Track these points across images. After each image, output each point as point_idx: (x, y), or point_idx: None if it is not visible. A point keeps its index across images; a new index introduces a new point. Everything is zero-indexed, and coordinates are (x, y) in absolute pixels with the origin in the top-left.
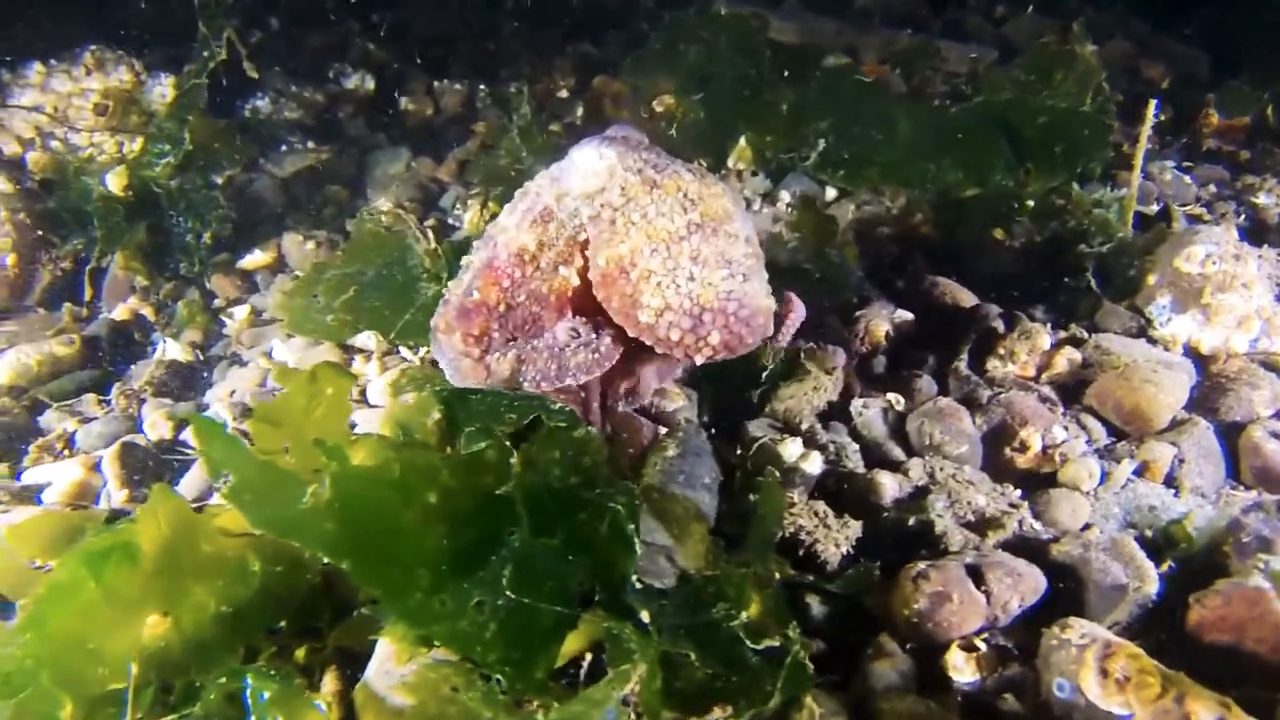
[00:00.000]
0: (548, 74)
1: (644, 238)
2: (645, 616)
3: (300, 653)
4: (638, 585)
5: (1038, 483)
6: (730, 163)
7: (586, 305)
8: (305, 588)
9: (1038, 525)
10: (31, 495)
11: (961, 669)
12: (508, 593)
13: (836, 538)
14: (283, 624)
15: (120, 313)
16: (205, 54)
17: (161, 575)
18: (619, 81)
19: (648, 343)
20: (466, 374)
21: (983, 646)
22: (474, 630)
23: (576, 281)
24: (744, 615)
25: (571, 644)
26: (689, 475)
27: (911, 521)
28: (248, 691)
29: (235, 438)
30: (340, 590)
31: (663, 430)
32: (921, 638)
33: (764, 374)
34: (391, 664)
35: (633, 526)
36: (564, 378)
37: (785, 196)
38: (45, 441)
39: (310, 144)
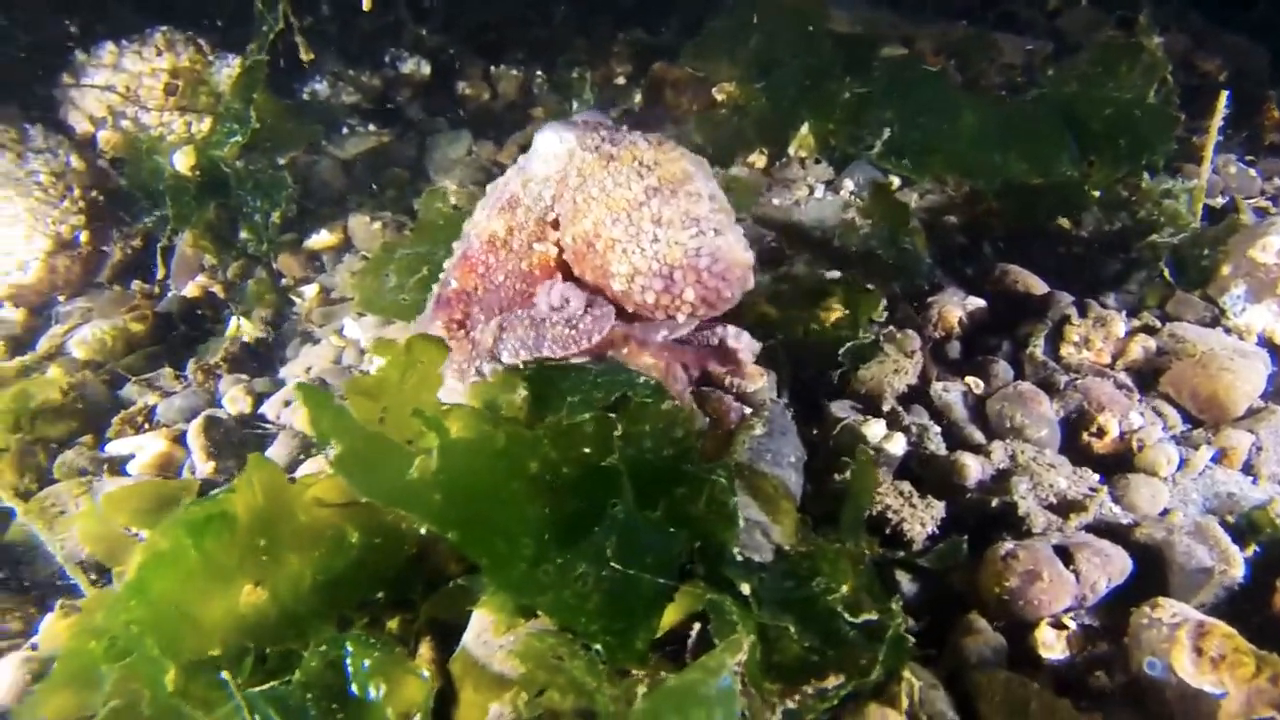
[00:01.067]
0: (605, 60)
1: (604, 210)
2: (746, 589)
3: (393, 624)
4: (739, 558)
5: (1116, 468)
6: (791, 151)
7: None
8: (402, 559)
9: (1117, 509)
10: (117, 466)
11: (1052, 646)
12: (612, 564)
13: (922, 517)
14: (380, 595)
15: (190, 290)
16: (264, 29)
17: (258, 545)
18: (678, 68)
19: (628, 309)
20: (453, 353)
21: (1072, 625)
22: (577, 600)
23: (555, 252)
24: (842, 590)
25: (668, 617)
26: (776, 454)
27: (995, 503)
28: (349, 659)
29: (345, 408)
30: (433, 562)
31: (747, 410)
32: (1011, 615)
33: (841, 354)
34: (490, 635)
35: (735, 500)
36: (541, 347)
37: (849, 184)
38: (127, 414)
39: (371, 127)
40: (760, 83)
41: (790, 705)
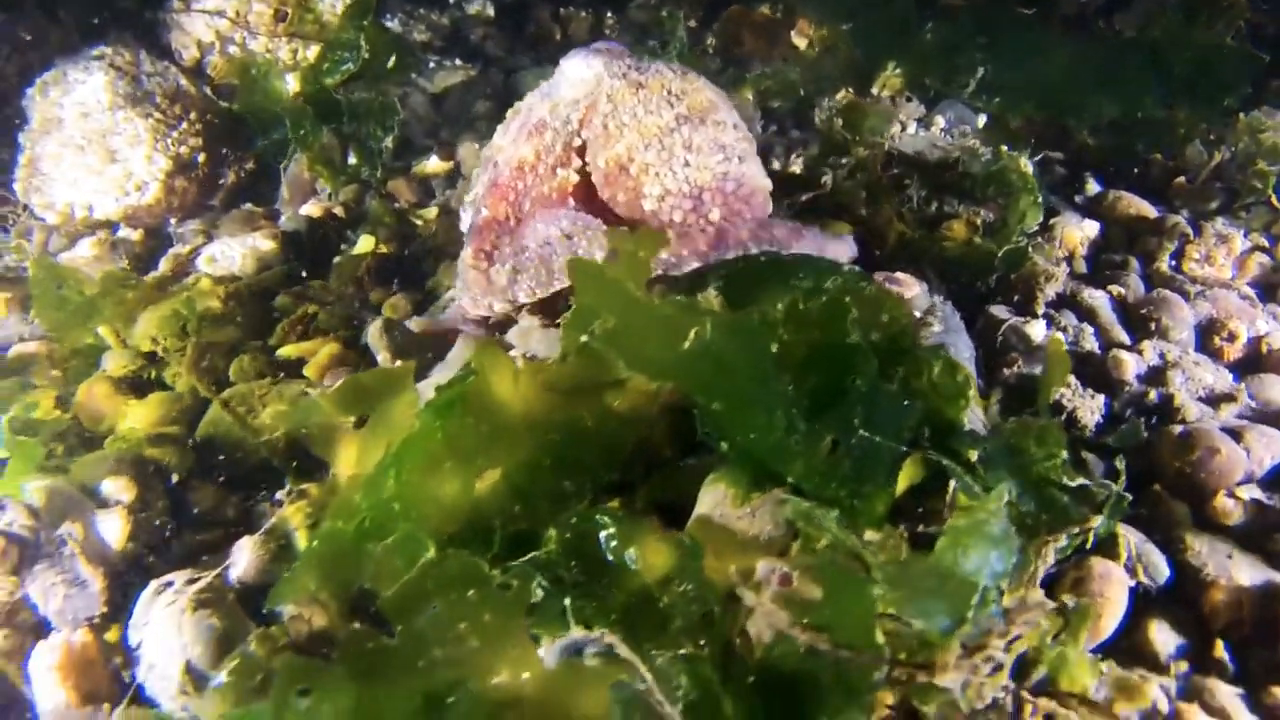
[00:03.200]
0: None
1: (637, 135)
2: (973, 456)
3: (614, 505)
4: (966, 429)
5: (1247, 370)
6: (875, 90)
7: (590, 199)
8: (630, 442)
9: (1255, 404)
10: (292, 369)
11: (1230, 513)
12: (861, 431)
13: (1090, 405)
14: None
15: (312, 209)
16: None
17: (494, 428)
18: (756, 10)
19: (653, 227)
20: (471, 285)
21: (1246, 495)
22: (827, 467)
23: (576, 179)
24: (1056, 460)
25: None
26: (954, 348)
27: (1153, 395)
28: (604, 530)
29: (617, 280)
30: (650, 445)
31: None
32: (1191, 487)
33: (998, 260)
34: (728, 506)
35: (964, 375)
36: (553, 282)
37: (940, 122)
38: (289, 321)
39: (458, 61)
40: (846, 24)
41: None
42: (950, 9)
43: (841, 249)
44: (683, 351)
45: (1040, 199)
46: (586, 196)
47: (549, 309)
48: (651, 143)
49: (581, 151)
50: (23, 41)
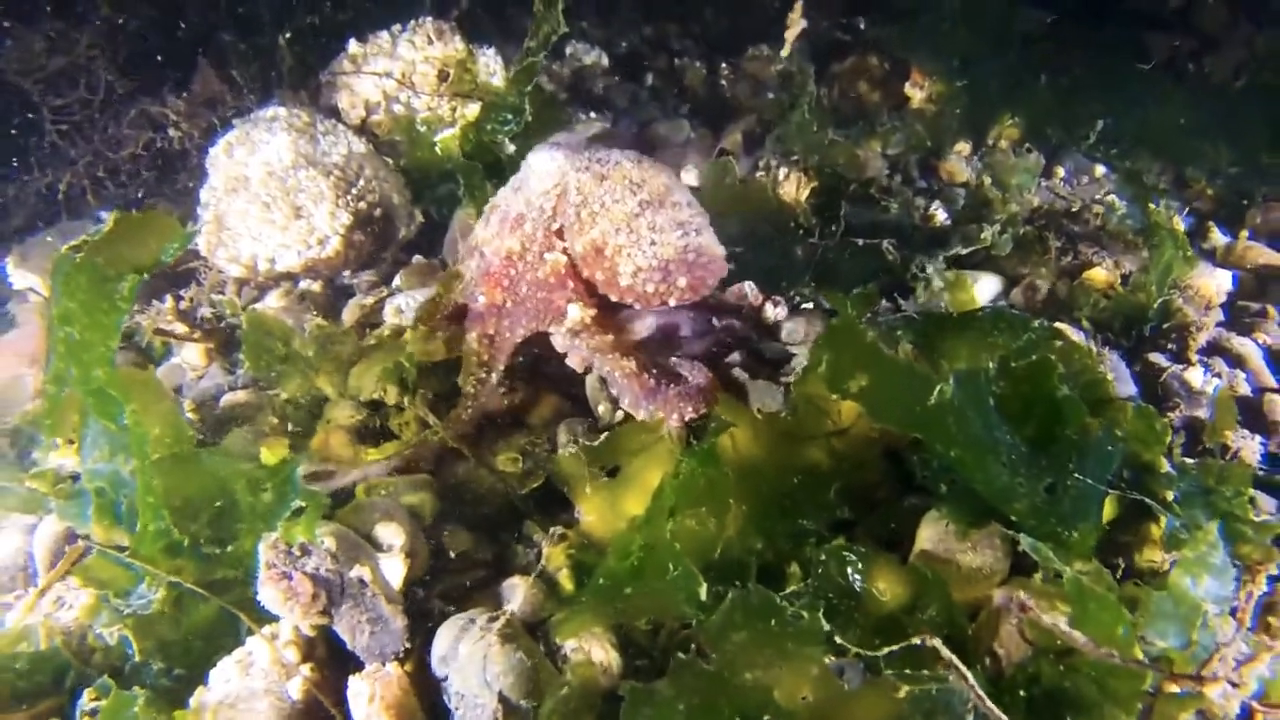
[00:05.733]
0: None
1: (608, 222)
2: (1169, 495)
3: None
4: (1163, 470)
5: None
6: (990, 140)
7: (578, 275)
8: (856, 483)
9: None
10: None
11: None
12: (1075, 475)
13: (1250, 445)
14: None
15: None
16: (545, 28)
17: (740, 474)
18: (871, 60)
19: (629, 301)
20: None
21: None
22: (1047, 505)
23: (564, 260)
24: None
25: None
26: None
27: None
28: (849, 563)
29: (875, 342)
30: (868, 485)
31: None
32: None
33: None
34: (952, 541)
35: (1161, 423)
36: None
37: (1060, 171)
38: None
39: (592, 114)
40: (960, 79)
41: None
42: (1062, 62)
43: None
44: (929, 406)
45: (1191, 253)
46: (575, 274)
47: None
48: (621, 227)
49: (560, 234)
50: (199, 101)
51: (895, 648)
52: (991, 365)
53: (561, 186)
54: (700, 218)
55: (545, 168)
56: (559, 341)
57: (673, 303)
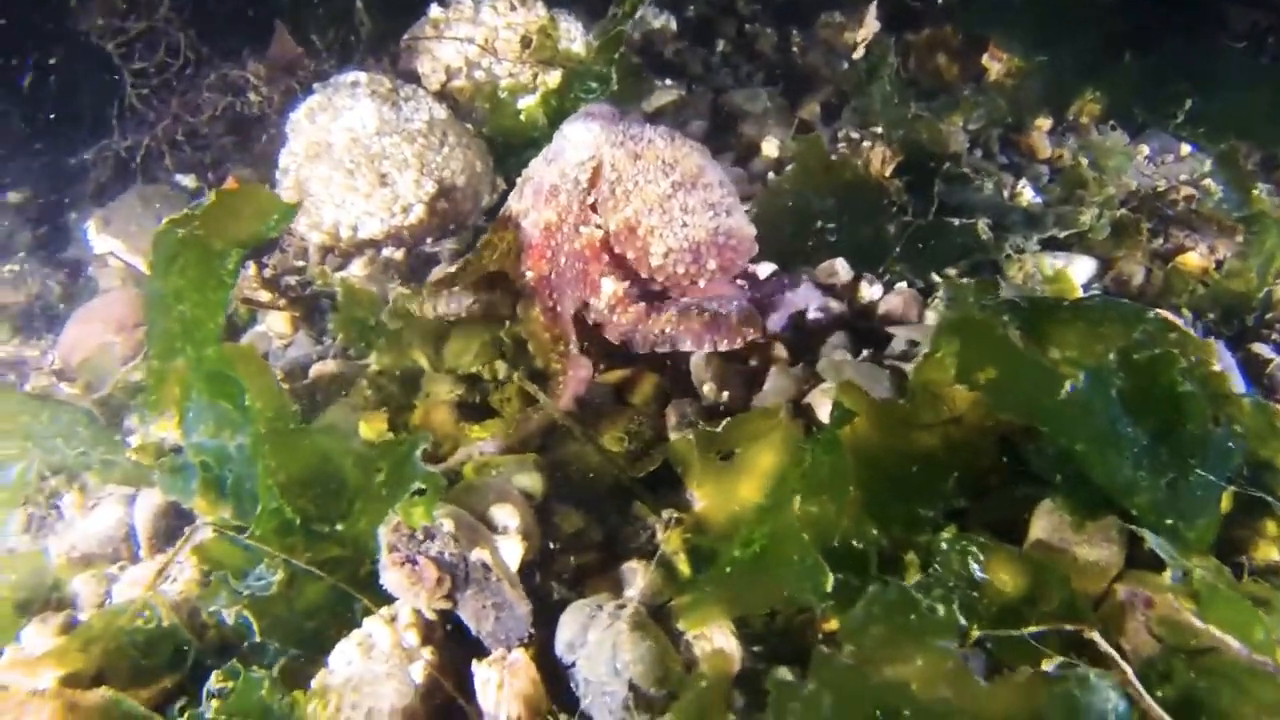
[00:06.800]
0: (856, 23)
1: (640, 202)
2: None
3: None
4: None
5: None
6: (1070, 116)
7: (612, 248)
8: (973, 472)
9: None
10: None
11: None
12: (1197, 470)
13: None
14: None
15: None
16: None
17: (859, 460)
18: (949, 34)
19: (659, 279)
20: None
21: None
22: (1168, 499)
23: (600, 233)
24: None
25: None
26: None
27: None
28: (970, 552)
29: (1005, 335)
30: (980, 472)
31: None
32: None
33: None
34: (1068, 532)
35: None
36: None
37: (1145, 150)
38: None
39: (667, 81)
40: (1039, 54)
41: None
42: (1142, 37)
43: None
44: (1058, 400)
45: None
46: (610, 248)
47: None
48: (654, 208)
49: (595, 207)
50: (278, 66)
51: (1032, 630)
52: (1112, 358)
53: (597, 159)
54: (731, 197)
55: (581, 138)
56: (596, 314)
57: (703, 284)
